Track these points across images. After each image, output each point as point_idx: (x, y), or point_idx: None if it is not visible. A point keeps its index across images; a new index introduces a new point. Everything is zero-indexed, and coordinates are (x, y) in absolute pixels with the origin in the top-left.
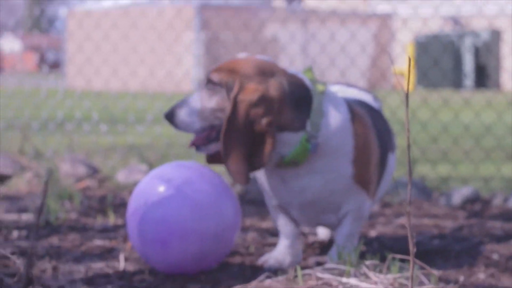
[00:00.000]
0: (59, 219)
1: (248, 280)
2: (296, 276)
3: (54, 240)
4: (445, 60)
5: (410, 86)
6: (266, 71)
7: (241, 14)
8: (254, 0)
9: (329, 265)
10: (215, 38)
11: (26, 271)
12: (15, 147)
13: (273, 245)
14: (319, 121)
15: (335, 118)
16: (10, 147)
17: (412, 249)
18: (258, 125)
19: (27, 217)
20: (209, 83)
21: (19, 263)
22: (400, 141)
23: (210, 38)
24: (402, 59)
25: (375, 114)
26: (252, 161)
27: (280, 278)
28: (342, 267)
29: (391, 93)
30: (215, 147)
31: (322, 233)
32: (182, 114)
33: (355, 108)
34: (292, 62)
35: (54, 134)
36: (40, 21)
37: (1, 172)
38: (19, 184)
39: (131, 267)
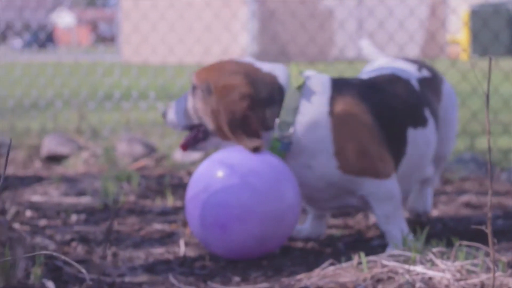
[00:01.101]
0: (117, 202)
1: (311, 266)
2: (360, 263)
3: (113, 223)
4: (500, 28)
5: (465, 55)
6: (238, 72)
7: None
8: None
9: (394, 252)
10: (271, 14)
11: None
12: (72, 127)
13: (335, 227)
14: (291, 119)
15: (309, 114)
16: (67, 127)
17: (492, 252)
18: (239, 110)
19: (85, 200)
20: (192, 85)
21: (79, 250)
22: (459, 114)
23: (266, 14)
24: (459, 30)
25: (396, 88)
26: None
27: (344, 265)
28: (407, 253)
29: (449, 66)
30: (203, 146)
31: None
32: (171, 114)
33: (342, 97)
34: (349, 37)
35: (111, 112)
36: None
37: (59, 152)
38: (76, 164)
39: (191, 253)
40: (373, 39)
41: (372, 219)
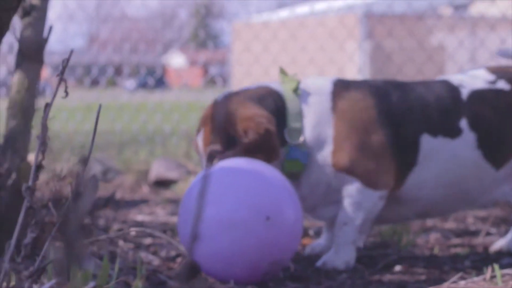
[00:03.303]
0: None
1: (437, 282)
2: (494, 277)
3: None
4: None
5: None
6: (245, 106)
7: (406, 22)
8: (419, 7)
9: None
10: (379, 47)
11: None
12: (181, 152)
13: (459, 245)
14: (299, 125)
15: (314, 114)
16: (176, 152)
17: None
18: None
19: None
20: (212, 155)
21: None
22: None
23: (374, 47)
24: None
25: (426, 92)
26: None
27: (476, 279)
28: None
29: None
30: None
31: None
32: None
33: (345, 92)
34: (460, 70)
35: None
36: (205, 37)
37: (167, 176)
38: (185, 189)
39: (303, 268)
40: None
41: (496, 238)
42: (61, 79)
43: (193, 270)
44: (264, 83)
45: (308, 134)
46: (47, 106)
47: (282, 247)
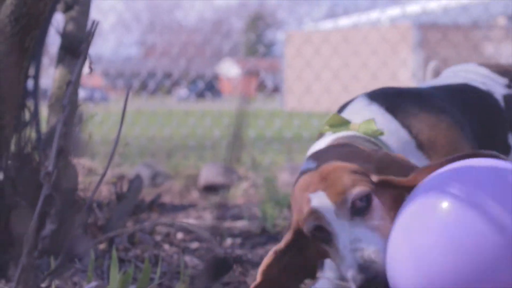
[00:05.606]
0: (276, 226)
1: None
2: None
3: (271, 248)
4: None
5: None
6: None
7: (461, 30)
8: (474, 13)
9: None
10: (434, 52)
11: None
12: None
13: None
14: None
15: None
16: (227, 157)
17: None
18: None
19: (242, 224)
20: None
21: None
22: None
23: (428, 52)
24: None
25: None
26: None
27: None
28: None
29: None
30: None
31: None
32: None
33: (415, 118)
34: None
35: (271, 144)
36: (257, 46)
37: (215, 182)
38: (236, 194)
39: None
40: None
41: None
42: (85, 57)
43: (224, 266)
44: (347, 135)
45: None
46: (69, 83)
47: None
